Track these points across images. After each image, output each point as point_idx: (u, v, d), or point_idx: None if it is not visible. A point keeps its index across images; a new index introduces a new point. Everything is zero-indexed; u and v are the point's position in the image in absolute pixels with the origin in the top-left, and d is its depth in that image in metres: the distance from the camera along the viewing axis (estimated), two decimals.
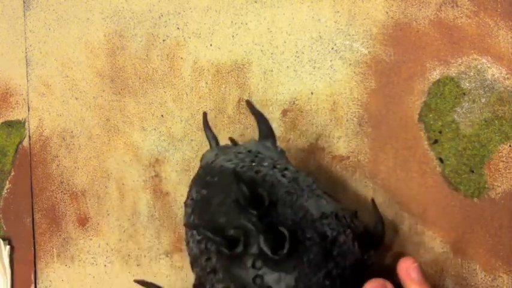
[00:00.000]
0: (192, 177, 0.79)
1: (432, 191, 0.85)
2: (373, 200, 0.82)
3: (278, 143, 0.81)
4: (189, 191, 0.78)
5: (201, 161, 0.83)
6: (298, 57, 0.94)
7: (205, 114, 0.88)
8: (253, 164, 0.72)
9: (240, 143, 0.83)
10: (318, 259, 0.61)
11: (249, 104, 0.85)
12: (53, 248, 1.12)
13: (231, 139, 0.82)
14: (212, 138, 0.85)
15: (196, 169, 1.00)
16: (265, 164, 0.72)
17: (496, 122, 0.82)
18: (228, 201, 0.67)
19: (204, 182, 0.74)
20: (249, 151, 0.76)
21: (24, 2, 1.16)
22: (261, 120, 0.82)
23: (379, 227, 0.76)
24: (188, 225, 0.73)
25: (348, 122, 0.90)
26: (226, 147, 0.82)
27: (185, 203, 0.79)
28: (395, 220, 0.86)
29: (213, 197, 0.70)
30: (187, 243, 0.74)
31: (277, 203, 0.65)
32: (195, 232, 0.70)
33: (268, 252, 0.60)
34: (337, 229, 0.65)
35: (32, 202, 1.14)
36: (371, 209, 0.81)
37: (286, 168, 0.72)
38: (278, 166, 0.72)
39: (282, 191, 0.67)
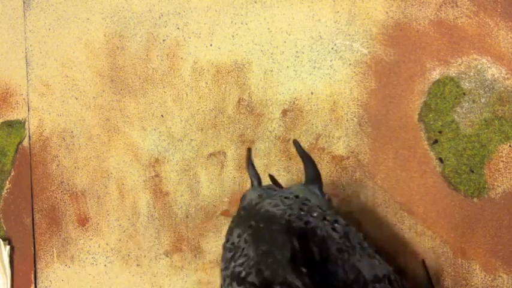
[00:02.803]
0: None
1: (432, 191, 0.85)
2: (423, 261, 0.82)
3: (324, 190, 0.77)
4: (229, 232, 0.73)
5: (241, 200, 0.79)
6: (298, 57, 0.94)
7: (249, 151, 0.84)
8: (302, 213, 0.67)
9: (283, 185, 0.79)
10: None
11: (297, 145, 0.80)
12: (53, 248, 1.12)
13: (271, 176, 0.77)
14: (255, 176, 0.81)
15: (196, 169, 1.00)
16: (315, 214, 0.67)
17: (496, 122, 0.82)
18: (275, 252, 0.60)
19: (248, 227, 0.68)
20: (296, 196, 0.72)
21: (24, 2, 1.16)
22: (309, 164, 0.78)
23: None
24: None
25: (348, 122, 0.90)
26: (270, 188, 0.77)
27: (224, 245, 0.73)
28: (395, 220, 0.86)
29: (258, 245, 0.64)
30: None
31: (328, 260, 0.60)
32: (234, 283, 0.64)
33: None
34: None
35: (32, 202, 1.14)
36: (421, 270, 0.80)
37: (336, 221, 0.67)
38: (328, 218, 0.67)
39: (334, 247, 0.61)
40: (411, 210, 0.85)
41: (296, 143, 0.80)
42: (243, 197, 0.78)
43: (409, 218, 0.85)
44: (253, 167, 0.83)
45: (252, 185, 0.80)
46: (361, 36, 0.89)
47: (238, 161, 0.96)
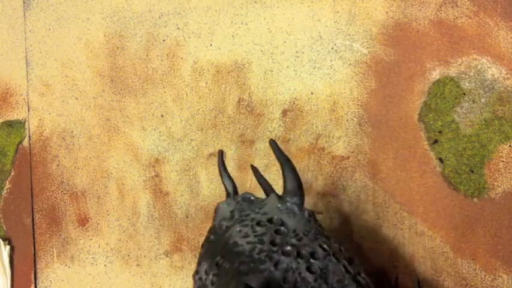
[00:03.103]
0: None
1: (432, 191, 0.85)
2: (418, 281, 0.82)
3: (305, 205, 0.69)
4: (199, 262, 0.69)
5: (215, 212, 0.72)
6: (298, 57, 0.94)
7: (220, 153, 0.75)
8: (274, 248, 0.60)
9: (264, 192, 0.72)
10: None
11: (274, 146, 0.68)
12: (53, 248, 1.12)
13: (254, 168, 0.70)
14: (229, 184, 0.73)
15: (196, 169, 1.00)
16: (288, 248, 0.60)
17: (496, 122, 0.82)
18: None
19: (215, 264, 0.64)
20: (270, 220, 0.64)
21: (24, 2, 1.16)
22: (288, 170, 0.66)
23: None
24: None
25: (348, 122, 0.90)
26: (245, 199, 0.70)
27: (193, 275, 0.70)
28: (395, 220, 0.86)
29: None
30: None
31: None
32: None
33: None
34: None
35: (32, 202, 1.14)
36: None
37: (313, 254, 0.60)
38: (303, 251, 0.60)
39: None
40: (411, 210, 0.85)
41: (273, 144, 0.67)
42: (217, 210, 0.72)
43: (409, 218, 0.85)
44: (226, 172, 0.73)
45: (227, 194, 0.73)
46: (361, 36, 0.89)
47: (238, 161, 0.96)
